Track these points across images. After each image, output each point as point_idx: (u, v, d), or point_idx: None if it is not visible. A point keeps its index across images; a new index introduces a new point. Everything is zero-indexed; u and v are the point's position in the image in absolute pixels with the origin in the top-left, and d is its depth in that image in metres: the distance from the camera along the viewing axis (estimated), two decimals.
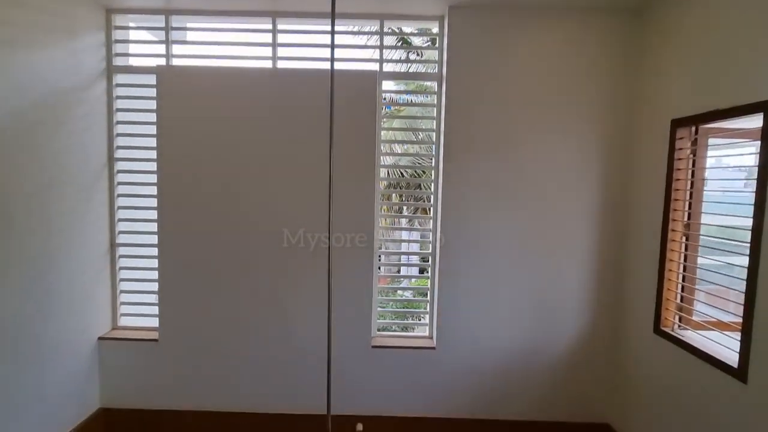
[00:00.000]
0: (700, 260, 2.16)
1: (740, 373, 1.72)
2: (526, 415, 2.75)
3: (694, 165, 2.15)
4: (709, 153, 2.14)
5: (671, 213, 2.22)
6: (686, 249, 2.19)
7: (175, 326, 2.73)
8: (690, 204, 2.17)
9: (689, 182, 2.16)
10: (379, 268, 2.95)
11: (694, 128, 2.14)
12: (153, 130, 2.66)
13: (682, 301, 2.20)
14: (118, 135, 2.78)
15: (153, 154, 2.67)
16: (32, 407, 2.23)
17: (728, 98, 1.88)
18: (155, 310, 2.76)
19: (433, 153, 2.88)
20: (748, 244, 1.72)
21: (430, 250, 2.85)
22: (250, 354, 2.73)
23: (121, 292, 2.88)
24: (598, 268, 2.67)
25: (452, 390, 2.74)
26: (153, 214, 2.70)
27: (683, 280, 2.19)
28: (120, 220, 2.83)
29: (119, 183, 2.81)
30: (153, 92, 2.64)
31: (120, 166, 2.80)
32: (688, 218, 2.18)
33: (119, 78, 2.78)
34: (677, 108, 2.21)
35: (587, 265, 2.67)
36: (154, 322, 2.76)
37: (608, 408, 2.73)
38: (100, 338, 2.72)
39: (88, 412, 2.66)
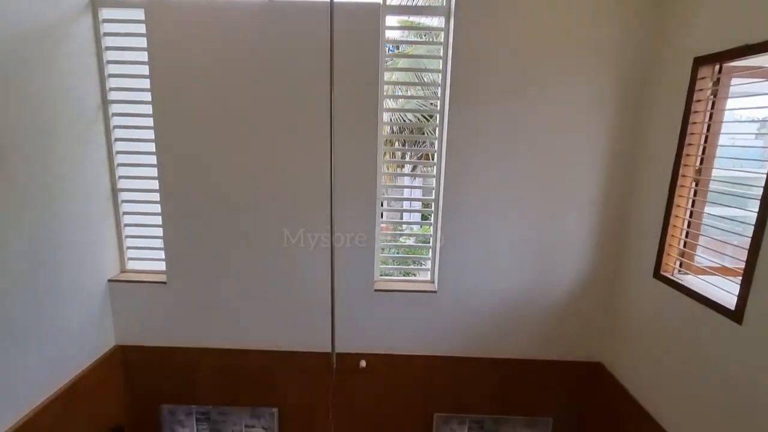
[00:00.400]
0: (707, 209, 2.13)
1: (736, 314, 1.76)
2: (522, 354, 2.88)
3: (713, 107, 2.05)
4: (728, 104, 2.03)
5: (683, 158, 2.15)
6: (695, 195, 2.16)
7: (181, 269, 2.79)
8: (704, 149, 2.10)
9: (706, 125, 2.07)
10: (381, 215, 2.95)
11: (717, 66, 2.01)
12: (146, 70, 2.54)
13: (685, 246, 2.20)
14: (110, 76, 2.66)
15: (149, 96, 2.57)
16: (51, 345, 2.33)
17: (759, 32, 1.74)
18: (162, 254, 2.81)
19: (439, 96, 2.76)
20: (758, 196, 1.68)
21: (432, 197, 2.82)
22: (256, 296, 2.81)
23: (127, 237, 2.92)
24: (602, 215, 2.65)
25: (452, 331, 2.85)
26: (153, 159, 2.66)
27: (688, 226, 2.18)
28: (120, 165, 2.79)
29: (116, 126, 2.74)
30: (143, 28, 2.49)
31: (115, 108, 2.71)
32: (700, 163, 2.12)
33: (105, 13, 2.61)
34: (700, 45, 2.06)
35: (592, 212, 2.65)
36: (162, 266, 2.82)
37: (601, 348, 2.84)
38: (109, 280, 2.80)
39: (106, 348, 2.80)
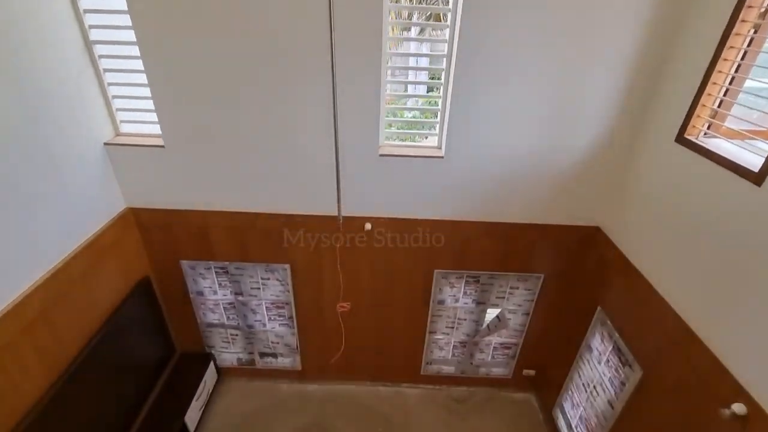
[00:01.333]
0: (747, 83, 1.91)
1: (758, 177, 1.69)
2: (523, 218, 2.94)
3: None
4: None
5: (742, 12, 1.81)
6: (743, 58, 1.90)
7: (177, 132, 2.67)
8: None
9: None
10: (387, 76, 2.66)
11: None
12: None
13: (719, 106, 2.01)
14: None
15: None
16: (63, 208, 2.37)
17: None
18: (155, 116, 2.65)
19: None
20: None
21: (443, 65, 2.50)
22: (260, 160, 2.75)
23: (114, 97, 2.72)
24: (632, 74, 2.37)
25: (456, 196, 2.86)
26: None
27: (725, 94, 1.98)
28: (86, 11, 2.42)
29: None
30: None
31: None
32: (755, 33, 1.81)
33: None
34: None
35: (621, 70, 2.36)
36: (157, 129, 2.69)
37: (603, 213, 2.88)
38: (106, 144, 2.71)
39: (117, 211, 2.87)
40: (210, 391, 3.74)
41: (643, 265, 2.45)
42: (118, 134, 2.83)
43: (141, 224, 3.06)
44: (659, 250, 2.31)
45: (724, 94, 1.98)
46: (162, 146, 2.72)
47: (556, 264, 3.17)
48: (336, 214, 2.94)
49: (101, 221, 2.72)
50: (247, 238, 3.10)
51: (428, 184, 2.82)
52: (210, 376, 3.72)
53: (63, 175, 2.37)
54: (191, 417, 3.36)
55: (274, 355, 3.82)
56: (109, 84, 2.66)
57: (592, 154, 2.66)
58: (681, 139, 2.15)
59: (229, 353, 3.84)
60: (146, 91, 2.56)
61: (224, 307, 3.51)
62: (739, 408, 1.66)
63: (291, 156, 2.72)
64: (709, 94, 2.02)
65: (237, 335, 3.69)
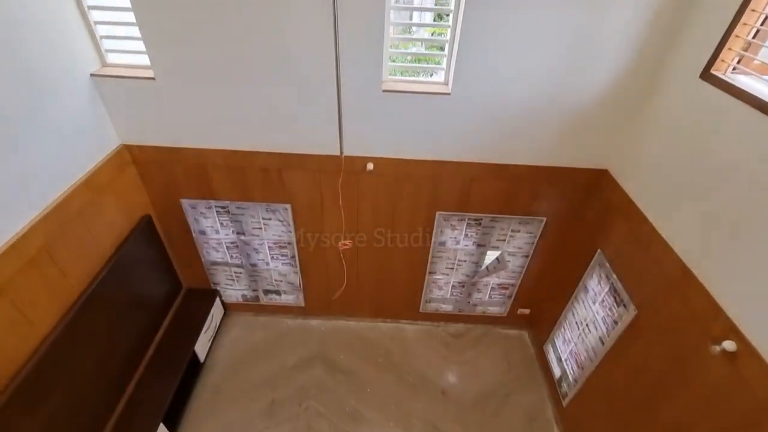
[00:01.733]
0: None
1: None
2: (529, 160, 2.86)
3: None
4: None
5: None
6: None
7: (166, 64, 2.50)
8: None
9: None
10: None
11: None
12: None
13: (755, 37, 1.86)
14: None
15: None
16: (53, 145, 2.28)
17: None
18: (143, 45, 2.46)
19: None
20: None
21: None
22: (257, 95, 2.60)
23: (96, 23, 2.51)
24: (657, 4, 2.16)
25: (462, 136, 2.75)
26: None
27: (762, 24, 1.81)
28: None
29: None
30: None
31: None
32: None
33: None
34: None
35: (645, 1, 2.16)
36: (146, 60, 2.52)
37: (613, 155, 2.80)
38: (92, 75, 2.55)
39: (111, 147, 2.78)
40: (217, 324, 3.91)
41: (649, 207, 2.42)
42: (104, 65, 2.65)
43: (137, 162, 2.98)
44: (668, 192, 2.27)
45: (762, 23, 1.81)
46: (152, 78, 2.57)
47: (560, 207, 3.15)
48: (337, 153, 2.85)
49: (95, 158, 2.64)
50: (246, 177, 3.04)
51: (433, 123, 2.70)
52: (217, 310, 3.86)
53: (51, 108, 2.26)
54: (200, 347, 3.54)
55: (278, 293, 3.94)
56: (90, 7, 2.44)
57: (608, 92, 2.51)
58: (707, 75, 2.01)
59: (234, 290, 3.95)
60: (131, 16, 2.36)
61: (227, 246, 3.55)
62: (729, 345, 1.72)
63: (290, 89, 2.57)
64: (745, 24, 1.85)
65: (241, 273, 3.78)
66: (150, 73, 2.57)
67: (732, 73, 1.95)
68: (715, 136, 1.97)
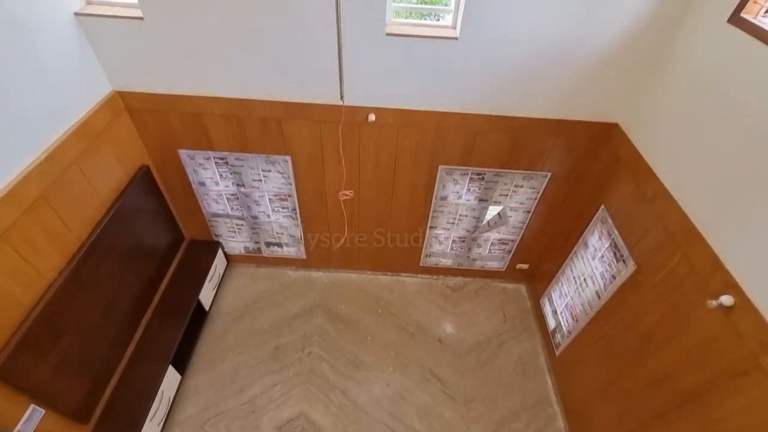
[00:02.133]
0: None
1: None
2: (537, 113, 2.75)
3: None
4: None
5: None
6: None
7: (156, 2, 2.34)
8: None
9: None
10: None
11: None
12: None
13: None
14: None
15: None
16: (40, 91, 2.19)
17: None
18: None
19: None
20: None
21: None
22: (254, 37, 2.46)
23: None
24: None
25: (469, 85, 2.63)
26: None
27: None
28: None
29: None
30: None
31: None
32: None
33: None
34: None
35: None
36: None
37: (625, 108, 2.68)
38: (76, 14, 2.39)
39: (103, 94, 2.67)
40: (221, 275, 3.98)
41: (658, 162, 2.36)
42: (89, 2, 2.48)
43: (131, 110, 2.88)
44: (680, 146, 2.20)
45: None
46: (140, 18, 2.41)
47: (566, 162, 3.08)
48: (338, 103, 2.74)
49: (87, 105, 2.55)
50: (244, 127, 2.95)
51: (439, 71, 2.57)
52: (220, 261, 3.92)
53: (36, 51, 2.14)
54: (205, 297, 3.63)
55: (279, 245, 3.98)
56: None
57: (625, 39, 2.36)
58: (736, 18, 1.87)
59: (236, 242, 3.98)
60: None
61: (227, 198, 3.52)
62: (726, 299, 1.74)
63: (288, 32, 2.42)
64: None
65: (242, 225, 3.78)
66: (138, 13, 2.41)
67: (764, 16, 1.81)
68: (741, 86, 1.86)
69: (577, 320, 3.11)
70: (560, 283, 3.44)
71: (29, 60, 2.11)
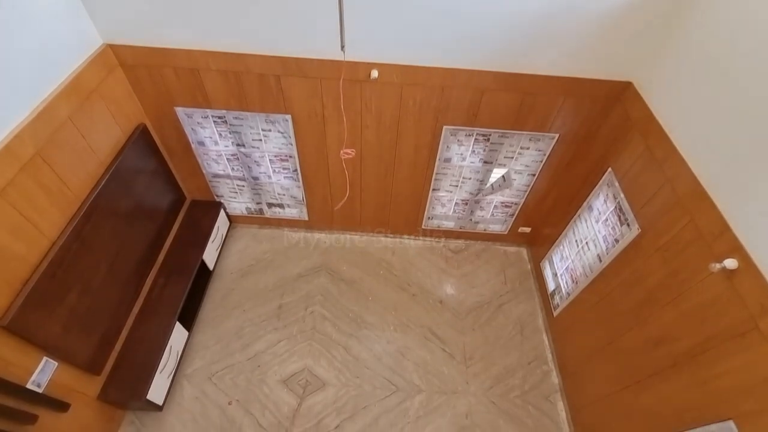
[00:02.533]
0: None
1: None
2: (547, 70, 2.63)
3: None
4: None
5: None
6: None
7: None
8: None
9: None
10: None
11: None
12: None
13: None
14: None
15: None
16: (22, 40, 2.08)
17: None
18: None
19: None
20: None
21: None
22: None
23: None
24: None
25: (476, 40, 2.49)
26: None
27: None
28: None
29: None
30: None
31: None
32: None
33: None
34: None
35: None
36: None
37: (640, 66, 2.55)
38: None
39: (93, 47, 2.56)
40: (224, 235, 4.01)
41: (672, 123, 2.27)
42: None
43: (125, 65, 2.77)
44: (698, 106, 2.11)
45: None
46: None
47: (574, 123, 2.98)
48: (339, 58, 2.62)
49: (77, 59, 2.44)
50: (242, 84, 2.84)
51: (445, 24, 2.42)
52: (222, 222, 3.93)
53: (19, 1, 2.03)
54: (209, 256, 3.67)
55: (281, 206, 3.97)
56: None
57: None
58: None
59: (237, 203, 3.97)
60: None
61: (227, 158, 3.47)
62: (730, 263, 1.72)
63: None
64: None
65: (243, 186, 3.76)
66: None
67: None
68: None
69: (576, 283, 3.14)
70: (562, 246, 3.44)
71: (12, 11, 2.00)
